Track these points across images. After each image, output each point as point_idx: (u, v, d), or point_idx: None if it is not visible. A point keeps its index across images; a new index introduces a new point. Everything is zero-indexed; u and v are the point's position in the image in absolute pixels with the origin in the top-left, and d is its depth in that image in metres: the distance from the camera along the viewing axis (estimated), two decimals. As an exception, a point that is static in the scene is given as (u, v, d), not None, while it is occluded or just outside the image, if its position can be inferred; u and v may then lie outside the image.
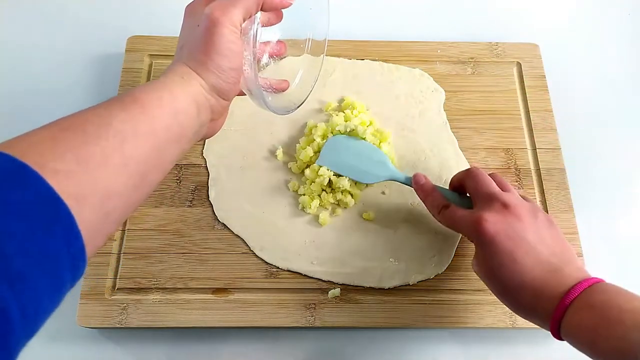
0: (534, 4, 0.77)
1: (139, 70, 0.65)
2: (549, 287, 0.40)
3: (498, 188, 0.47)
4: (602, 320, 0.37)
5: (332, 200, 0.57)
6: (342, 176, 0.56)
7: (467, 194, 0.51)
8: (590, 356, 0.38)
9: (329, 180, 0.56)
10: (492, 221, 0.43)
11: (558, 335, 0.40)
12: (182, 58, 0.41)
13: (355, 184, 0.58)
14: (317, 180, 0.56)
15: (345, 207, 0.57)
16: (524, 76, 0.66)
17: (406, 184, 0.55)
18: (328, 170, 0.56)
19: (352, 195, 0.57)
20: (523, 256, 0.42)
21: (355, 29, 0.72)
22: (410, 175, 0.54)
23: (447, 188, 0.54)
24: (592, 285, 0.39)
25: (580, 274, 0.41)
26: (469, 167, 0.60)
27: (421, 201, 0.53)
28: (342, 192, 0.56)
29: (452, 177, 0.53)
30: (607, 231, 0.61)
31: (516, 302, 0.43)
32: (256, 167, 0.60)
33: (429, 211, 0.52)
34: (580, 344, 0.39)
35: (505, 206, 0.44)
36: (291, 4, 0.44)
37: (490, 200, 0.46)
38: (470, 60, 0.67)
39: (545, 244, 0.43)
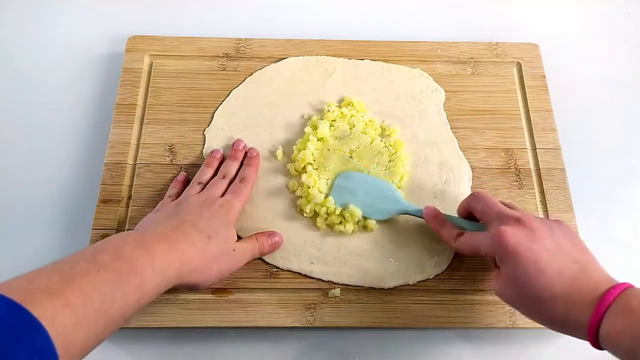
0: (534, 4, 0.77)
1: (139, 70, 0.65)
2: (581, 294, 0.39)
3: (506, 207, 0.48)
4: None
5: (337, 221, 0.56)
6: (355, 205, 0.55)
7: (477, 221, 0.51)
8: None
9: (340, 208, 0.56)
10: (512, 232, 0.43)
11: (597, 344, 0.38)
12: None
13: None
14: (322, 210, 0.55)
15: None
16: (524, 76, 0.66)
17: (417, 216, 0.54)
18: (310, 210, 0.55)
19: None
20: (548, 264, 0.41)
21: (355, 29, 0.72)
22: (421, 207, 0.54)
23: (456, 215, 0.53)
24: (626, 290, 0.38)
25: (609, 280, 0.40)
26: (469, 168, 0.60)
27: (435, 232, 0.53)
28: (350, 215, 0.55)
29: (458, 206, 0.53)
30: (607, 231, 0.61)
31: (549, 315, 0.41)
32: (256, 167, 0.60)
33: (444, 242, 0.51)
34: (622, 352, 0.37)
35: (518, 221, 0.44)
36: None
37: (502, 217, 0.46)
38: (470, 60, 0.67)
39: (566, 250, 0.42)
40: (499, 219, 0.46)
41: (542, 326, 0.52)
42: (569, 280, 0.40)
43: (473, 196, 0.50)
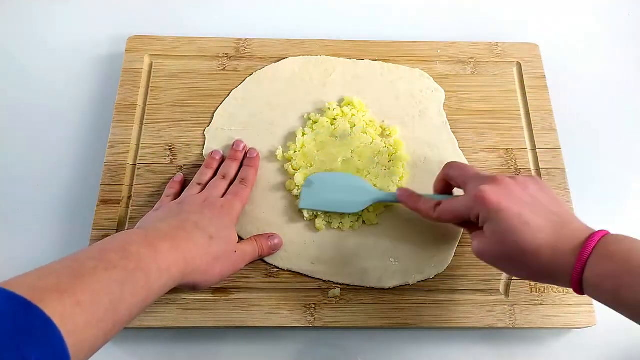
0: (534, 4, 0.77)
1: (139, 71, 0.65)
2: (564, 243, 0.40)
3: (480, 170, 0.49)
4: (625, 268, 0.37)
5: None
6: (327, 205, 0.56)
7: (452, 194, 0.52)
8: (613, 307, 0.38)
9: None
10: (492, 190, 0.43)
11: (580, 289, 0.40)
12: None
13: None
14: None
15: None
16: (524, 76, 0.66)
17: (391, 201, 0.54)
18: (309, 213, 0.56)
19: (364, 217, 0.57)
20: (532, 217, 0.41)
21: (355, 29, 0.72)
22: (392, 192, 0.54)
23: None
24: (605, 236, 0.40)
25: (587, 228, 0.42)
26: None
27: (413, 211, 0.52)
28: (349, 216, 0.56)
29: (433, 182, 0.53)
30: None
31: (534, 266, 0.42)
32: (256, 167, 0.60)
33: (424, 216, 0.51)
34: (603, 294, 0.39)
35: (494, 179, 0.45)
36: None
37: (480, 178, 0.46)
38: (470, 60, 0.67)
39: (543, 203, 0.43)
40: (476, 180, 0.46)
41: (542, 326, 0.53)
42: (552, 230, 0.41)
43: (448, 165, 0.51)
